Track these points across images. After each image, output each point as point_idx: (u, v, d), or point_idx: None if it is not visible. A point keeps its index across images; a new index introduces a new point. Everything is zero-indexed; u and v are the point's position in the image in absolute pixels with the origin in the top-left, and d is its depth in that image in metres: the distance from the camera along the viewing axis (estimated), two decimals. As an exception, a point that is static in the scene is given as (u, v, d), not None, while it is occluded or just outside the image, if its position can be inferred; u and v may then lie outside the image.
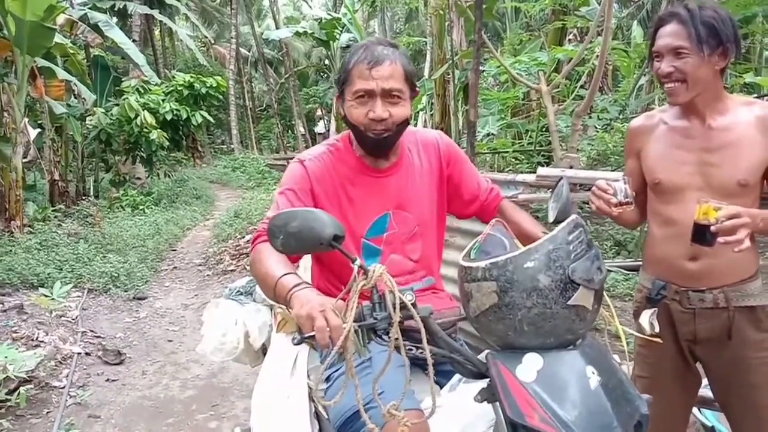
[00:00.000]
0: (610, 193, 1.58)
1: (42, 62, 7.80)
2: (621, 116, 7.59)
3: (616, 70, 9.20)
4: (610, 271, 4.56)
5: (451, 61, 9.05)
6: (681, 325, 1.72)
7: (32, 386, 3.41)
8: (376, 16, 23.88)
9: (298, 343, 1.13)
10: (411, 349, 1.25)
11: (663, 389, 1.77)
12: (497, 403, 1.15)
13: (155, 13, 12.71)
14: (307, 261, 2.07)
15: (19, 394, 3.26)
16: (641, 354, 1.85)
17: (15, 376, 3.27)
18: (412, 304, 1.15)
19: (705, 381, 1.86)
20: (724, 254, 1.53)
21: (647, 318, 1.72)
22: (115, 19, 13.44)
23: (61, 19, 8.28)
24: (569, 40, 8.89)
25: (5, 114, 7.13)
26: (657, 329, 1.70)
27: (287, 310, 1.28)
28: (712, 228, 1.44)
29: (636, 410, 1.12)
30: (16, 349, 3.65)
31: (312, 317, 1.12)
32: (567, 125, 6.82)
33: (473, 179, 1.82)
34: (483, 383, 1.22)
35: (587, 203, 6.10)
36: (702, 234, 1.48)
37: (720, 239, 1.44)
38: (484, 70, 7.84)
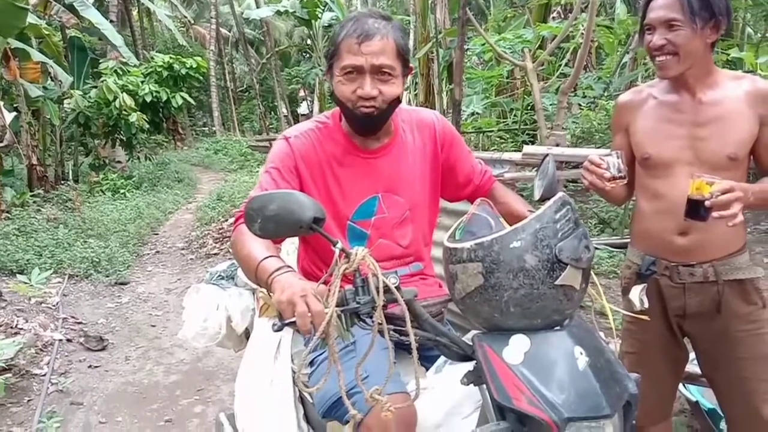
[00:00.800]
0: (603, 168, 1.57)
1: (16, 44, 7.60)
2: (605, 94, 7.58)
3: (600, 47, 9.17)
4: (597, 248, 4.58)
5: (434, 40, 8.96)
6: (671, 300, 1.72)
7: (11, 375, 3.35)
8: (359, -6, 23.57)
9: (279, 330, 1.10)
10: (397, 333, 1.22)
11: (651, 365, 1.77)
12: (484, 386, 1.13)
13: (132, -8, 12.42)
14: (289, 244, 2.03)
15: (-2, 382, 3.20)
16: (629, 330, 1.85)
17: (-7, 364, 3.21)
18: (396, 287, 1.12)
19: (691, 356, 1.86)
20: (713, 228, 1.52)
21: (637, 294, 1.72)
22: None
23: (33, -2, 8.05)
24: (553, 17, 8.83)
25: (-22, 97, 6.96)
26: (647, 305, 1.71)
27: (269, 295, 1.25)
28: (707, 203, 1.43)
29: (625, 390, 1.10)
30: (-5, 337, 3.59)
31: (293, 302, 1.09)
32: (552, 103, 6.79)
33: (468, 162, 1.76)
34: (469, 365, 1.19)
35: (573, 181, 6.12)
36: (696, 209, 1.47)
37: (715, 214, 1.43)
38: (468, 49, 7.77)
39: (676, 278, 1.69)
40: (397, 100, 1.55)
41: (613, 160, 1.57)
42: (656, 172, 1.68)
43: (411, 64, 1.60)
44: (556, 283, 1.09)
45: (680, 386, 2.17)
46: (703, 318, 1.70)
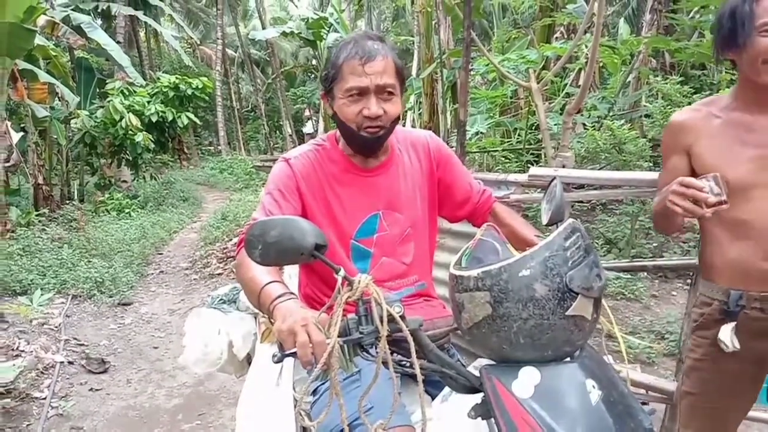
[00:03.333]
0: (705, 192, 1.42)
1: (23, 65, 7.66)
2: (610, 113, 7.56)
3: (603, 67, 9.18)
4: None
5: (438, 60, 8.99)
6: (762, 335, 1.58)
7: (10, 399, 3.30)
8: (363, 16, 23.79)
9: (279, 361, 1.06)
10: (401, 362, 1.18)
11: (714, 408, 1.67)
12: (492, 420, 1.09)
13: (140, 14, 12.55)
14: (294, 267, 2.00)
15: (-3, 407, 3.16)
16: (698, 369, 1.71)
17: (-7, 388, 3.17)
18: (400, 316, 1.09)
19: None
20: None
21: (728, 334, 1.58)
22: (99, 21, 13.31)
23: (41, 20, 8.12)
24: (556, 37, 8.86)
25: (-14, 118, 6.99)
26: (738, 346, 1.57)
27: (270, 322, 1.22)
28: None
29: (639, 425, 1.06)
30: (-5, 360, 3.55)
31: (294, 332, 1.05)
32: (556, 123, 6.77)
33: (465, 181, 1.75)
34: (477, 397, 1.15)
35: (579, 202, 6.05)
36: None
37: None
38: (472, 69, 7.79)
39: None
40: (398, 118, 1.55)
41: (712, 184, 1.43)
42: (732, 196, 1.49)
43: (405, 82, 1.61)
44: (567, 313, 1.05)
45: None
46: None
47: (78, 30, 9.59)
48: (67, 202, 9.41)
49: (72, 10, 10.06)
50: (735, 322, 1.58)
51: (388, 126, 1.52)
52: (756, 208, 1.48)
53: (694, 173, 1.62)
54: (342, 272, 1.09)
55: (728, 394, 1.66)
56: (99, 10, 12.93)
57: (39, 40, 7.50)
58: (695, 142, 1.62)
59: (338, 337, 1.06)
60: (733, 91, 1.64)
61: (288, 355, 1.05)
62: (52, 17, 8.83)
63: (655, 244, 5.33)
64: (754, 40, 1.48)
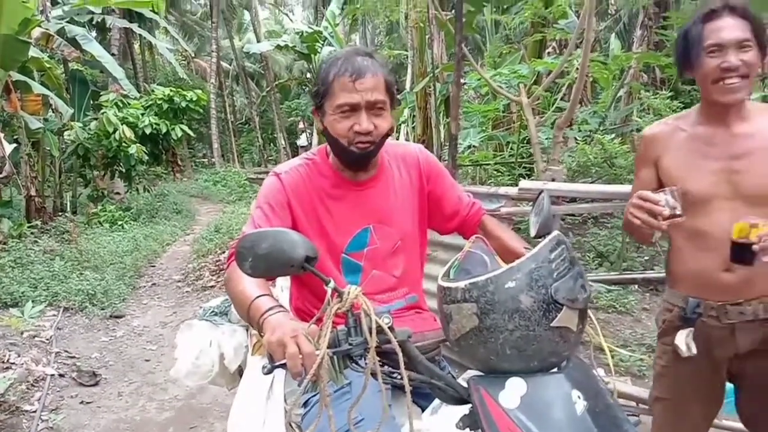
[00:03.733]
0: (660, 205, 1.46)
1: (17, 76, 7.66)
2: (601, 128, 7.64)
3: (595, 82, 9.28)
4: (593, 285, 4.55)
5: (432, 75, 9.06)
6: (719, 343, 1.63)
7: (0, 411, 3.28)
8: (357, 30, 23.95)
9: (269, 372, 1.07)
10: (391, 374, 1.20)
11: (683, 412, 1.70)
12: (479, 431, 1.10)
13: (134, 26, 12.60)
14: (285, 280, 2.01)
15: (-14, 420, 3.14)
16: (664, 375, 1.76)
17: (-18, 401, 3.15)
18: (389, 327, 1.10)
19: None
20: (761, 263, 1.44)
21: (683, 339, 1.63)
22: (94, 33, 13.34)
23: (36, 32, 8.15)
24: (548, 52, 8.95)
25: (-21, 129, 6.98)
26: (694, 351, 1.62)
27: (260, 335, 1.23)
28: (754, 247, 1.39)
29: (624, 435, 1.07)
30: (-15, 372, 3.53)
31: (283, 344, 1.07)
32: (548, 137, 6.83)
33: (454, 194, 1.78)
34: (465, 408, 1.16)
35: (570, 215, 6.08)
36: (741, 253, 1.43)
37: (764, 258, 1.39)
38: (465, 83, 7.86)
39: (724, 318, 1.60)
40: (389, 133, 1.57)
41: (669, 198, 1.47)
42: (693, 208, 1.56)
43: (397, 97, 1.62)
44: (552, 324, 1.07)
45: None
46: (756, 356, 1.62)
47: (73, 42, 9.63)
48: (60, 213, 9.37)
49: (67, 22, 10.09)
50: (692, 329, 1.64)
51: (378, 141, 1.53)
52: (715, 220, 1.52)
53: (662, 184, 1.67)
54: (332, 284, 1.10)
55: (693, 399, 1.70)
56: (94, 23, 12.96)
57: (33, 52, 7.51)
58: (662, 155, 1.68)
59: (328, 348, 1.07)
60: (698, 106, 1.70)
61: (278, 367, 1.06)
62: (47, 29, 8.86)
63: (646, 258, 5.37)
64: (703, 60, 1.55)
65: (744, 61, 1.50)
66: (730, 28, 1.51)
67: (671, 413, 1.72)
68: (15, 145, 8.07)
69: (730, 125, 1.59)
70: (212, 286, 6.35)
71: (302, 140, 22.46)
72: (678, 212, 1.47)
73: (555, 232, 1.18)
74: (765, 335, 1.59)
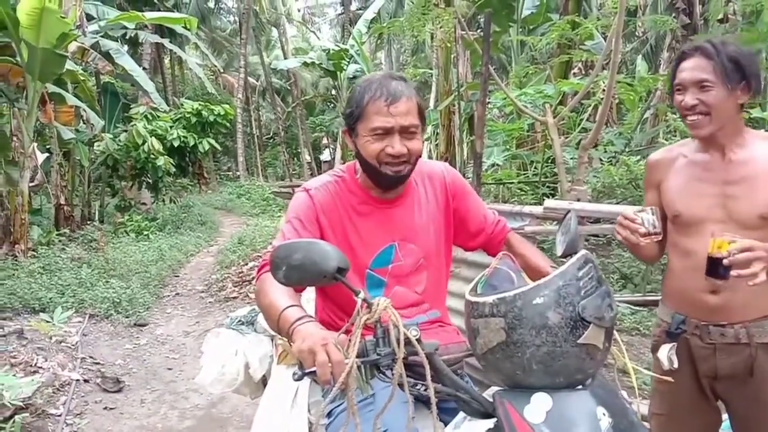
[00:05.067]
0: (638, 223, 1.57)
1: (53, 88, 7.88)
2: (626, 149, 7.59)
3: (621, 103, 9.24)
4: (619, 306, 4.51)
5: (456, 93, 9.11)
6: (701, 361, 1.68)
7: (28, 414, 3.34)
8: (383, 48, 24.21)
9: (299, 379, 1.10)
10: (416, 386, 1.22)
11: (681, 426, 1.73)
12: (504, 445, 1.11)
13: (166, 42, 12.90)
14: (310, 292, 2.04)
15: (14, 422, 3.19)
16: (658, 390, 1.80)
17: (11, 403, 3.21)
18: (417, 339, 1.12)
19: (724, 417, 1.80)
20: (745, 288, 1.48)
21: (666, 353, 1.69)
22: (126, 47, 13.67)
23: (73, 46, 8.38)
24: (574, 73, 8.95)
25: (14, 138, 7.18)
26: (676, 365, 1.67)
27: (289, 344, 1.26)
28: (725, 261, 1.42)
29: (648, 454, 1.08)
30: (14, 375, 3.60)
31: (313, 352, 1.09)
32: (572, 157, 6.81)
33: (479, 211, 1.80)
34: (489, 423, 1.18)
35: (594, 236, 6.03)
36: (715, 267, 1.47)
37: (733, 272, 1.42)
38: (489, 102, 7.89)
39: (706, 338, 1.65)
40: (420, 155, 1.61)
41: (648, 217, 1.58)
42: (687, 230, 1.67)
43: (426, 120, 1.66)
44: (579, 341, 1.08)
45: None
46: (735, 381, 1.65)
47: (106, 56, 9.89)
48: (88, 222, 9.58)
49: (102, 36, 10.37)
50: (675, 343, 1.70)
51: (412, 162, 1.58)
52: (706, 242, 1.54)
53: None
54: (362, 294, 1.13)
55: (688, 413, 1.74)
56: (127, 37, 13.31)
57: (69, 65, 7.72)
58: (663, 179, 1.76)
59: (356, 357, 1.10)
60: None
61: (307, 374, 1.09)
62: (83, 43, 9.12)
63: (671, 281, 5.30)
64: (675, 97, 1.66)
65: (701, 100, 1.57)
66: (691, 70, 1.60)
67: (668, 428, 1.74)
68: (47, 154, 8.29)
69: (726, 152, 1.64)
70: (235, 297, 6.41)
71: (326, 155, 22.67)
72: (656, 230, 1.58)
73: (582, 251, 1.20)
74: (745, 362, 1.62)
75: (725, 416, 1.79)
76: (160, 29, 14.37)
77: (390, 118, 1.51)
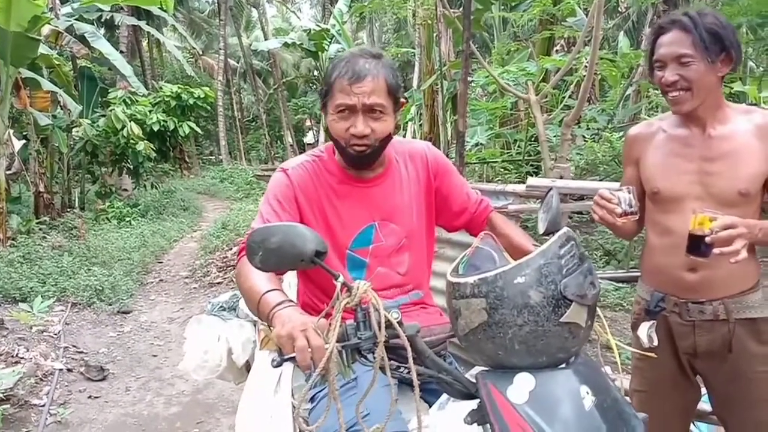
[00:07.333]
0: (614, 203, 1.55)
1: (27, 73, 7.71)
2: (609, 126, 7.61)
3: (603, 80, 9.25)
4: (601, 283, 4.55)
5: (439, 72, 9.05)
6: (680, 338, 1.69)
7: (10, 405, 3.31)
8: (365, 28, 23.96)
9: (278, 365, 1.08)
10: (398, 368, 1.20)
11: (660, 403, 1.73)
12: (488, 425, 1.10)
13: (143, 24, 12.63)
14: (291, 276, 2.02)
15: (-4, 413, 3.16)
16: (639, 368, 1.81)
17: (-8, 394, 3.18)
18: (398, 322, 1.11)
19: (703, 390, 1.82)
20: (723, 265, 1.48)
21: (645, 330, 1.69)
22: (102, 30, 13.36)
23: (46, 29, 8.17)
24: (556, 50, 8.93)
25: (-12, 126, 7.03)
26: (655, 342, 1.67)
27: (269, 329, 1.23)
28: (707, 239, 1.41)
29: (632, 431, 1.07)
30: (-5, 366, 3.56)
31: (293, 337, 1.07)
32: (555, 135, 6.81)
33: (462, 191, 1.78)
34: (473, 403, 1.17)
35: (578, 213, 6.07)
36: (697, 245, 1.45)
37: (715, 250, 1.41)
38: (472, 81, 7.84)
39: (685, 315, 1.65)
40: (389, 137, 1.57)
41: (625, 195, 1.55)
42: (666, 206, 1.65)
43: (402, 99, 1.62)
44: (561, 320, 1.06)
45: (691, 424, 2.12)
46: (714, 357, 1.66)
47: (81, 39, 9.66)
48: (68, 210, 9.43)
49: (76, 19, 10.12)
50: (654, 321, 1.70)
51: (376, 144, 1.54)
52: (685, 219, 1.53)
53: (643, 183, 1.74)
54: (341, 278, 1.11)
55: (667, 389, 1.75)
56: (102, 20, 13.04)
57: (43, 49, 7.54)
58: (642, 154, 1.74)
59: (337, 342, 1.08)
60: None
61: (287, 360, 1.07)
62: (56, 27, 8.90)
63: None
64: (654, 73, 1.63)
65: (682, 75, 1.54)
66: (669, 44, 1.57)
67: (648, 405, 1.74)
68: (24, 141, 8.14)
69: (706, 127, 1.62)
70: (219, 283, 6.38)
71: (309, 137, 22.50)
72: (632, 210, 1.55)
73: (564, 229, 1.18)
74: (723, 338, 1.63)
75: (704, 390, 1.80)
76: (137, 11, 14.03)
77: (353, 96, 1.48)
